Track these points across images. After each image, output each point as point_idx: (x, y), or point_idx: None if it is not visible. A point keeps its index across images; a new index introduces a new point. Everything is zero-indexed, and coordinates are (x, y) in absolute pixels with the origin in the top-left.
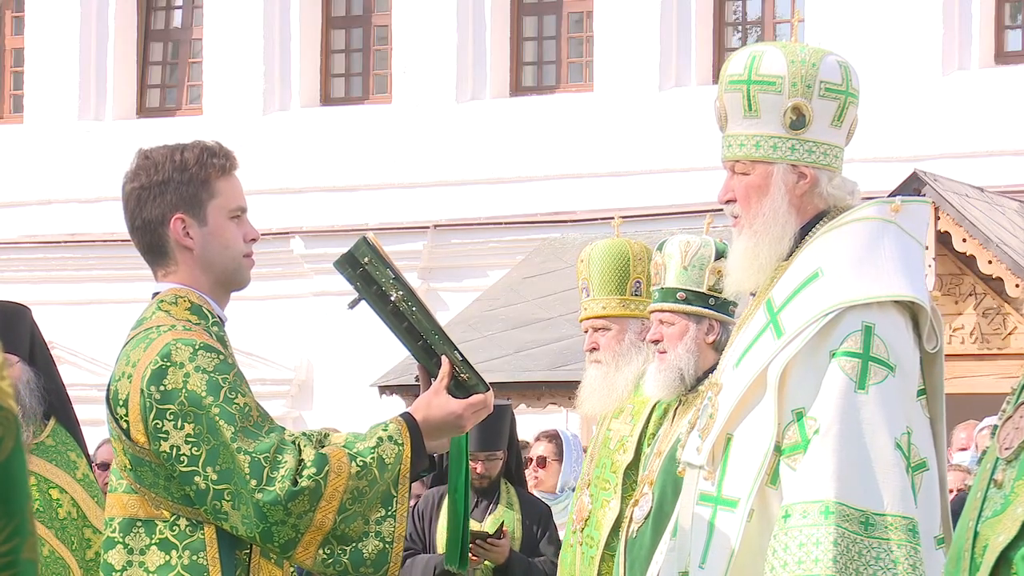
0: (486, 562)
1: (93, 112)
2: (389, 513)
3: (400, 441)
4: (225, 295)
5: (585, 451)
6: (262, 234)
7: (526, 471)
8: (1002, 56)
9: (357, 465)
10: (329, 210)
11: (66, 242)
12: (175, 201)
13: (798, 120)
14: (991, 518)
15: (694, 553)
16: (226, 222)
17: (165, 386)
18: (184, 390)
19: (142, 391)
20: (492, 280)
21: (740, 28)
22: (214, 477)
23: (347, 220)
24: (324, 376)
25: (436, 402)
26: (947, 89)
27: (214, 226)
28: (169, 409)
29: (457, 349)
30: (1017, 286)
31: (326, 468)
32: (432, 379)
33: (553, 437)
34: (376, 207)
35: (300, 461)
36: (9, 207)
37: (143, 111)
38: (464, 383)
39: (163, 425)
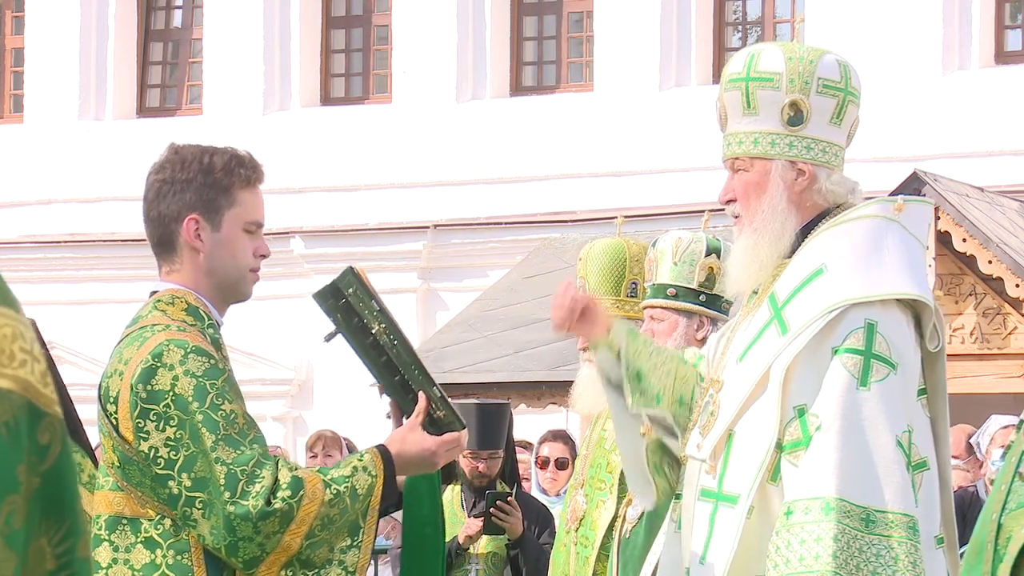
0: (492, 545)
1: (93, 112)
2: (355, 543)
3: (374, 473)
4: (224, 303)
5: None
6: (262, 234)
7: (542, 472)
8: (1002, 56)
9: (331, 493)
10: (329, 210)
11: (66, 242)
12: (193, 201)
13: (796, 116)
14: (1015, 510)
15: (695, 548)
16: (239, 233)
17: (152, 386)
18: (171, 393)
19: (131, 388)
20: (492, 280)
21: (740, 28)
22: (187, 483)
23: (347, 220)
24: (324, 376)
25: (411, 437)
26: (947, 89)
27: (226, 234)
28: (153, 409)
29: (436, 385)
30: (1017, 286)
31: (301, 492)
32: (405, 416)
33: (567, 439)
34: (376, 207)
35: (276, 481)
36: (9, 207)
37: (143, 111)
38: (439, 421)
39: (145, 424)
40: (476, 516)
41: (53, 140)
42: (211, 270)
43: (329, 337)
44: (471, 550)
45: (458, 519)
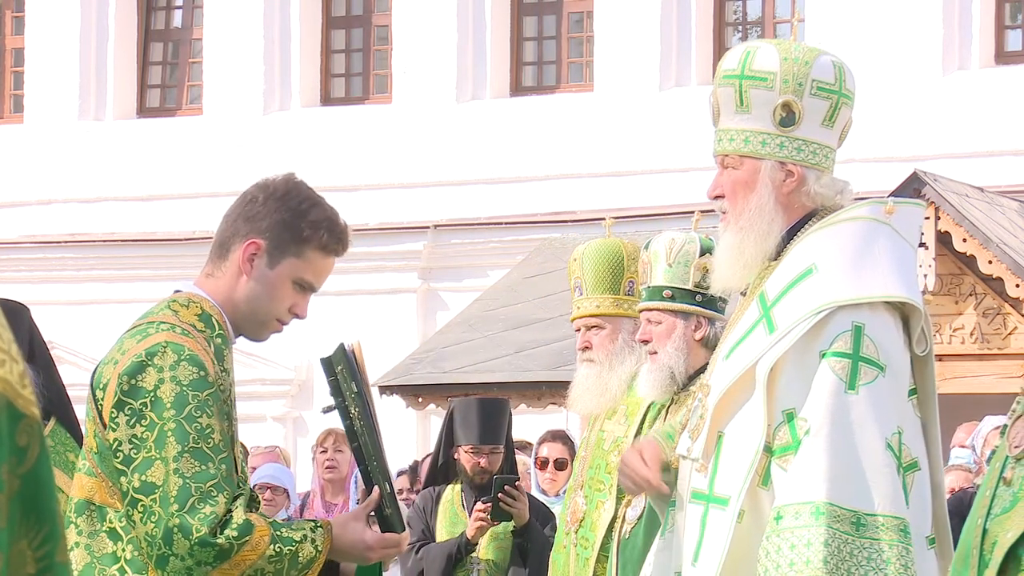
0: (496, 530)
1: (93, 112)
2: None
3: (320, 548)
4: (237, 331)
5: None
6: (309, 298)
7: (540, 473)
8: (1002, 56)
9: (274, 550)
10: None
11: (66, 242)
12: (267, 230)
13: (788, 117)
14: (1000, 515)
15: (686, 551)
16: (287, 282)
17: (137, 381)
18: (152, 394)
19: (118, 377)
20: (492, 280)
21: (740, 28)
22: (136, 484)
23: (347, 220)
24: (324, 376)
25: (353, 526)
26: (947, 89)
27: (275, 276)
28: (129, 404)
29: (389, 481)
30: (1017, 286)
31: (247, 538)
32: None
33: (566, 439)
34: (376, 207)
35: (229, 514)
36: (9, 207)
37: (143, 111)
38: (386, 519)
39: (117, 416)
40: (484, 502)
41: (53, 140)
42: (245, 297)
43: (327, 410)
44: (473, 552)
45: (459, 518)
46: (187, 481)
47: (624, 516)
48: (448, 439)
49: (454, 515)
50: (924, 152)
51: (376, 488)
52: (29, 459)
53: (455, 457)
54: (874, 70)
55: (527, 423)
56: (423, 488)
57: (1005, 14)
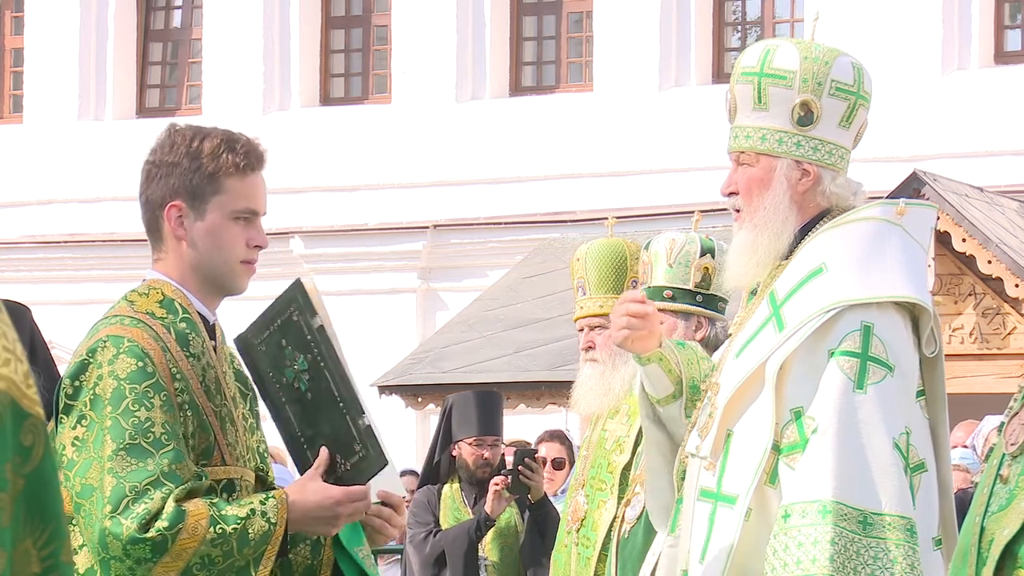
0: (509, 501)
1: (93, 112)
2: None
3: (274, 521)
4: (215, 296)
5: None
6: (259, 222)
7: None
8: (1002, 56)
9: (215, 532)
10: (329, 210)
11: (66, 242)
12: (177, 187)
13: (806, 116)
14: (996, 513)
15: (694, 548)
16: (227, 222)
17: (80, 382)
18: (92, 392)
19: (64, 380)
20: (492, 280)
21: (740, 28)
22: (78, 488)
23: (347, 220)
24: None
25: (312, 486)
26: (947, 89)
27: (211, 223)
28: (73, 406)
29: (349, 413)
30: (1017, 286)
31: (179, 526)
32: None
33: (564, 439)
34: (376, 207)
35: (161, 508)
36: (9, 207)
37: (143, 111)
38: (340, 477)
39: (63, 420)
40: (505, 474)
41: (53, 140)
42: (196, 260)
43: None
44: (479, 551)
45: (462, 515)
46: (121, 481)
47: (623, 516)
48: (446, 437)
49: (456, 511)
50: (924, 152)
51: (323, 449)
52: (34, 458)
53: (453, 454)
54: (874, 70)
55: (526, 423)
56: (419, 487)
57: (1005, 14)
